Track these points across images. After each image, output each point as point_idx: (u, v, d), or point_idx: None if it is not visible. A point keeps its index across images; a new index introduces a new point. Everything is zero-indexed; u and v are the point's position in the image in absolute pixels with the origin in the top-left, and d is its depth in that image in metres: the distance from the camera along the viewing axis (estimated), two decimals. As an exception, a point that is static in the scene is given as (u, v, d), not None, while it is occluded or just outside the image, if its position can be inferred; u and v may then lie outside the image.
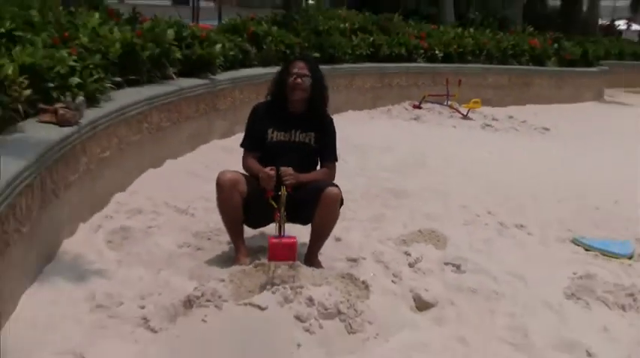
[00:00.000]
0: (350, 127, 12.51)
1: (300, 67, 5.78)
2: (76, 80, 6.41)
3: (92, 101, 6.75)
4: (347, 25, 16.66)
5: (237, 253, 5.68)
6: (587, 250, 6.89)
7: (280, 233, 5.28)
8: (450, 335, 4.86)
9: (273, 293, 4.70)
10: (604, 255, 6.74)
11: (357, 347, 4.51)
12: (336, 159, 6.01)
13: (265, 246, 5.99)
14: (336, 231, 6.02)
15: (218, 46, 10.68)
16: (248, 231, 5.92)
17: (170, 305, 4.72)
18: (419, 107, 16.29)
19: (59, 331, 4.43)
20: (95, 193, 6.59)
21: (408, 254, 6.26)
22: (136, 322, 4.61)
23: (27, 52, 6.01)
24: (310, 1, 21.59)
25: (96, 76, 6.88)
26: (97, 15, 8.45)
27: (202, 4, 24.52)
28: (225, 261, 5.74)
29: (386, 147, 11.50)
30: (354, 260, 6.03)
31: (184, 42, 10.04)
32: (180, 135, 9.35)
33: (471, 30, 21.21)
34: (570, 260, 6.58)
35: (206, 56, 10.31)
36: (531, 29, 23.90)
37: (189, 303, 4.68)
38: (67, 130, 5.77)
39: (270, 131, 5.81)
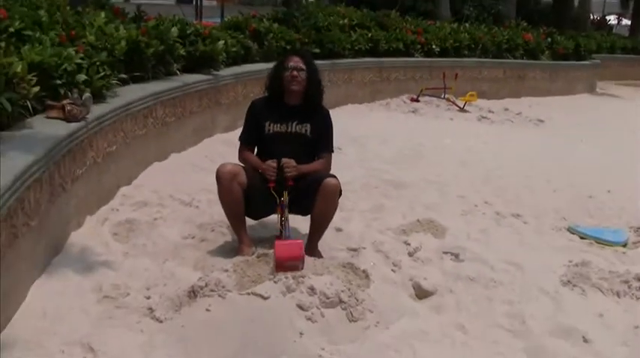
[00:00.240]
0: (349, 120, 12.57)
1: (295, 61, 5.86)
2: (82, 77, 6.47)
3: (98, 97, 6.82)
4: (346, 21, 16.60)
5: (240, 244, 5.75)
6: (582, 238, 6.95)
7: (283, 235, 5.44)
8: (449, 323, 4.92)
9: (276, 282, 4.74)
10: (598, 242, 6.81)
11: (358, 335, 4.55)
12: (332, 151, 6.07)
13: (266, 236, 6.10)
14: (337, 221, 6.10)
15: (221, 43, 10.71)
16: (250, 222, 5.99)
17: (175, 295, 4.78)
18: (417, 100, 16.31)
19: (67, 321, 4.48)
20: (102, 186, 6.65)
21: (407, 243, 6.34)
22: (142, 312, 4.67)
23: (35, 50, 6.08)
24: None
25: (102, 73, 6.94)
26: (103, 14, 8.46)
27: (205, 2, 24.36)
28: (229, 251, 5.81)
29: (385, 139, 11.53)
30: (355, 250, 6.10)
31: (188, 39, 10.08)
32: (185, 129, 9.40)
33: (467, 25, 21.22)
34: (566, 248, 6.63)
35: (209, 52, 10.35)
36: (525, 24, 23.84)
37: (193, 293, 4.72)
38: (74, 126, 5.83)
39: (267, 123, 5.89)
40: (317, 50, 14.31)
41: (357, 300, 4.79)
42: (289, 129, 5.88)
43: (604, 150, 12.27)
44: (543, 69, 21.04)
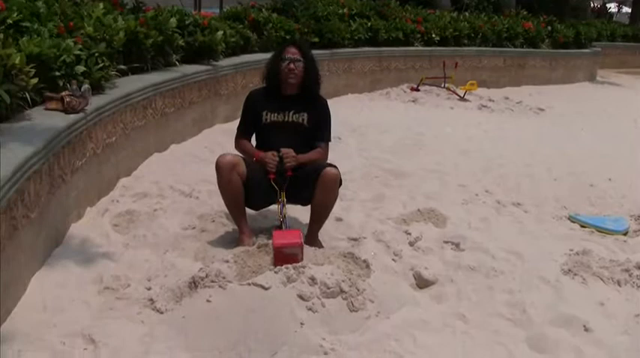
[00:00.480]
0: (349, 110, 12.58)
1: (292, 53, 5.85)
2: (81, 68, 6.48)
3: (97, 88, 6.85)
4: (345, 10, 16.60)
5: (240, 234, 5.74)
6: (582, 227, 6.95)
7: (282, 226, 5.47)
8: (449, 312, 4.91)
9: (276, 273, 4.74)
10: (599, 231, 6.81)
11: (358, 324, 4.55)
12: (329, 140, 6.06)
13: (267, 227, 6.10)
14: (337, 211, 6.10)
15: (220, 33, 10.71)
16: (250, 213, 5.99)
17: (176, 286, 4.77)
18: (417, 90, 16.32)
19: (67, 313, 4.49)
20: (102, 178, 6.65)
21: (408, 233, 6.33)
22: (142, 303, 4.67)
23: (34, 42, 6.08)
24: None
25: (101, 64, 6.95)
26: (101, 5, 8.44)
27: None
28: (229, 242, 5.80)
29: (385, 128, 11.53)
30: (355, 239, 6.10)
31: (187, 29, 10.10)
32: (184, 120, 9.41)
33: (466, 14, 21.24)
34: (566, 236, 6.62)
35: (208, 43, 10.36)
36: (525, 13, 23.85)
37: (194, 284, 4.72)
38: (73, 117, 5.83)
39: (264, 113, 5.89)
40: (316, 40, 14.34)
41: (358, 290, 4.78)
42: (286, 119, 5.89)
43: (605, 138, 12.29)
44: (543, 57, 21.06)
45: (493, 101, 16.05)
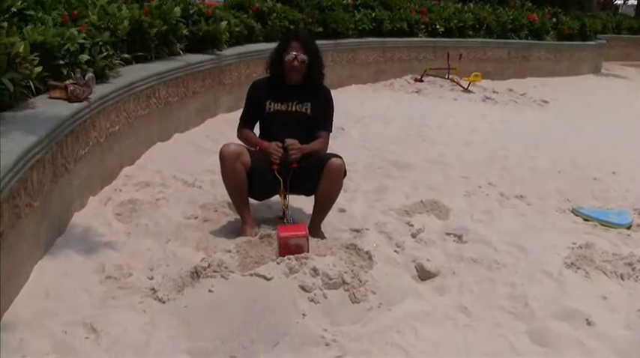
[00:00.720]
0: (353, 101, 12.58)
1: (296, 49, 5.82)
2: (85, 57, 6.48)
3: (101, 77, 6.84)
4: (349, 0, 16.59)
5: (243, 224, 5.74)
6: (586, 220, 6.93)
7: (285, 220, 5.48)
8: (451, 305, 4.90)
9: (279, 263, 4.73)
10: (602, 224, 6.79)
11: (360, 316, 4.54)
12: (330, 130, 6.06)
13: (270, 217, 6.10)
14: (340, 202, 6.09)
15: (224, 23, 10.71)
16: (253, 202, 5.98)
17: (178, 276, 4.78)
18: (420, 81, 16.31)
19: (69, 302, 4.49)
20: (105, 167, 6.66)
21: (410, 224, 6.33)
22: (144, 293, 4.68)
23: (38, 30, 6.08)
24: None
25: (105, 53, 6.95)
26: (105, -6, 8.50)
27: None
28: (232, 232, 5.79)
29: (388, 119, 11.53)
30: (358, 231, 6.10)
31: (191, 19, 10.10)
32: (188, 109, 9.41)
33: (471, 5, 21.22)
34: (569, 230, 6.60)
35: (212, 32, 10.37)
36: (530, 4, 23.82)
37: (196, 274, 4.72)
38: (76, 106, 5.83)
39: (268, 103, 5.89)
40: (320, 30, 14.32)
41: (360, 281, 4.78)
42: (290, 109, 5.88)
43: (609, 131, 12.28)
44: (548, 49, 21.04)
45: (497, 93, 16.05)
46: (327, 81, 6.10)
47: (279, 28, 13.11)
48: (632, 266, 5.64)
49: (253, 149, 5.76)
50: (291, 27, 13.19)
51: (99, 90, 6.47)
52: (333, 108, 6.08)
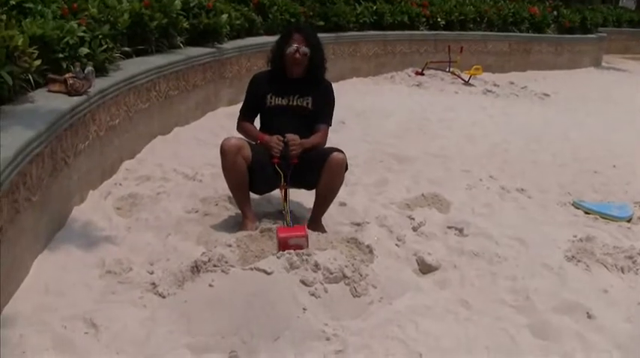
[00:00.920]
0: (354, 94, 12.57)
1: (298, 41, 5.79)
2: (85, 50, 6.47)
3: (101, 71, 6.83)
4: (351, -7, 16.62)
5: (243, 218, 5.73)
6: (586, 213, 6.93)
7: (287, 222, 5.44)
8: (452, 298, 4.90)
9: (279, 257, 4.73)
10: (603, 217, 6.79)
11: (361, 310, 4.55)
12: (330, 124, 6.03)
13: (271, 211, 6.09)
14: (341, 195, 6.07)
15: (224, 16, 10.69)
16: (254, 197, 5.97)
17: (178, 270, 4.77)
18: (421, 74, 16.27)
19: (69, 297, 4.49)
20: (105, 161, 6.64)
21: (411, 218, 6.33)
22: (144, 287, 4.67)
23: (37, 23, 6.06)
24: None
25: (105, 46, 6.94)
26: (105, -13, 8.48)
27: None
28: (232, 226, 5.78)
29: (389, 112, 11.51)
30: (359, 224, 6.10)
31: (191, 12, 10.07)
32: (188, 102, 9.40)
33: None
34: (570, 223, 6.61)
35: (213, 25, 10.33)
36: (531, -3, 23.86)
37: (196, 268, 4.71)
38: (76, 99, 5.81)
39: (269, 96, 5.87)
40: (321, 23, 14.28)
41: (361, 275, 4.78)
42: (290, 103, 5.87)
43: (609, 124, 12.26)
44: (549, 42, 21.02)
45: (498, 86, 16.03)
46: (328, 74, 6.08)
47: (280, 21, 13.08)
48: (633, 259, 5.65)
49: (253, 142, 5.75)
50: (292, 20, 13.16)
51: (99, 83, 6.45)
52: (334, 102, 6.06)
